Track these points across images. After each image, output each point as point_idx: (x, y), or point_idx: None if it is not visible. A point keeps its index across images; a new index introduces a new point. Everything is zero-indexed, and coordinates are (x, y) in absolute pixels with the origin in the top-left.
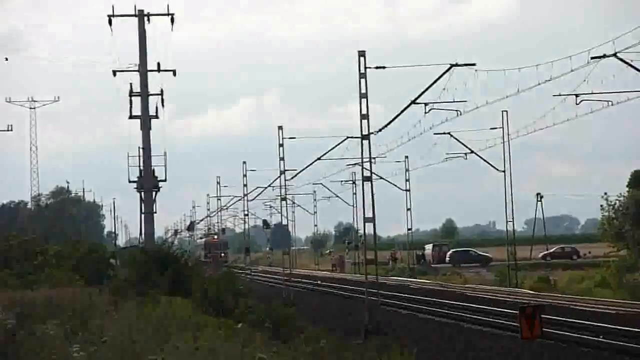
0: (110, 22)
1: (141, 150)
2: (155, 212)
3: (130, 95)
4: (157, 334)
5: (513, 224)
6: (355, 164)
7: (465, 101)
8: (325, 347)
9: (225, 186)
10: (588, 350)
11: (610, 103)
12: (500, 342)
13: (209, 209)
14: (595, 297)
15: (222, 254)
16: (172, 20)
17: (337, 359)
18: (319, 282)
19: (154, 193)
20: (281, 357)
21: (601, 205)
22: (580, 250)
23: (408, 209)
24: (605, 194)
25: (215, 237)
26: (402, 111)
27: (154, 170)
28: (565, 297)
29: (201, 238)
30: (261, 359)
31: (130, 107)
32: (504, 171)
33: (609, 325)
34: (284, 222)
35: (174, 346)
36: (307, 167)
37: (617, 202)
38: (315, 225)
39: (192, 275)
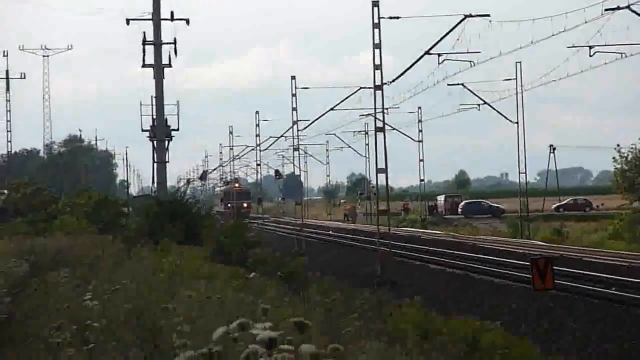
0: None
1: (154, 99)
2: (168, 161)
3: (144, 44)
4: (169, 283)
5: (526, 176)
6: (368, 114)
7: (479, 52)
8: (337, 297)
9: (237, 136)
10: (600, 302)
11: (623, 55)
12: (512, 293)
13: (221, 159)
14: (608, 249)
15: (246, 204)
16: None
17: (349, 309)
18: (330, 232)
19: (166, 142)
20: (293, 308)
21: (613, 158)
22: (593, 202)
23: (421, 160)
24: (618, 145)
25: (237, 185)
26: (416, 62)
27: (166, 120)
28: (578, 249)
29: (220, 186)
30: (264, 309)
31: (144, 56)
32: (517, 122)
33: (621, 278)
34: (296, 172)
35: (186, 295)
36: (319, 117)
37: (630, 153)
38: (328, 176)
39: (205, 225)
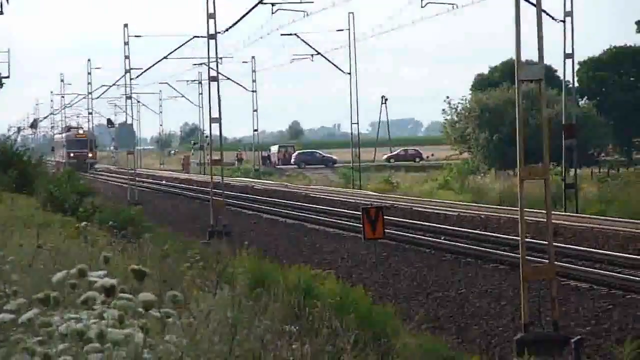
0: None
1: None
2: None
3: None
4: (0, 232)
5: (358, 126)
6: (201, 63)
7: (312, 2)
8: (171, 246)
9: (69, 84)
10: (430, 251)
11: (455, 6)
12: (344, 242)
13: (52, 107)
14: (438, 199)
15: (91, 154)
16: None
17: (182, 258)
18: (164, 182)
19: None
20: (126, 256)
21: (443, 109)
22: (423, 153)
23: (254, 110)
24: (447, 97)
25: (81, 132)
26: (249, 11)
27: None
28: (408, 198)
29: (59, 133)
30: (106, 257)
31: None
32: (349, 73)
33: (451, 227)
34: (129, 121)
35: (18, 243)
36: (152, 65)
37: (460, 105)
38: (161, 125)
39: (36, 173)
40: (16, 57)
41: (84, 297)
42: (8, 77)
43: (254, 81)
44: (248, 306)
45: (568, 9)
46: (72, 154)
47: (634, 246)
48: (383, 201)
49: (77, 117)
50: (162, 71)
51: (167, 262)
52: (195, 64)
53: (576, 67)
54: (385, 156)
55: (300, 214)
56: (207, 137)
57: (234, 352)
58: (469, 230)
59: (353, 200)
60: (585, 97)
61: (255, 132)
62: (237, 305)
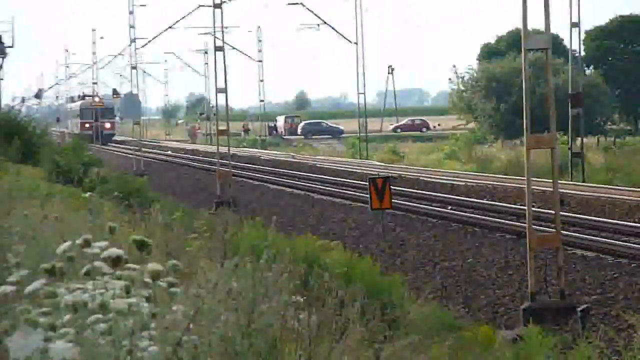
0: None
1: None
2: (2, 79)
3: None
4: (4, 202)
5: (365, 97)
6: (207, 33)
7: None
8: (177, 217)
9: (74, 54)
10: (437, 221)
11: None
12: (350, 213)
13: (57, 77)
14: (444, 169)
15: (109, 124)
16: None
17: (188, 228)
18: (169, 152)
19: (0, 59)
20: (132, 227)
21: (449, 78)
22: (430, 123)
23: (261, 80)
24: (454, 66)
25: (97, 99)
26: None
27: (0, 36)
28: (415, 168)
29: (74, 101)
30: (111, 227)
31: None
32: (356, 43)
33: (458, 197)
34: (134, 91)
35: (23, 214)
36: (157, 35)
37: (466, 74)
38: (167, 95)
39: (41, 144)
40: (20, 27)
41: (89, 268)
42: (12, 46)
43: (259, 51)
44: (255, 277)
45: None
46: (87, 125)
47: None
48: (390, 171)
49: (91, 85)
50: (168, 41)
51: (174, 232)
52: (200, 34)
53: (582, 36)
54: (392, 126)
55: (307, 184)
56: (213, 107)
57: (251, 325)
58: (476, 200)
59: (360, 171)
60: (592, 66)
61: (262, 103)
62: (249, 277)
